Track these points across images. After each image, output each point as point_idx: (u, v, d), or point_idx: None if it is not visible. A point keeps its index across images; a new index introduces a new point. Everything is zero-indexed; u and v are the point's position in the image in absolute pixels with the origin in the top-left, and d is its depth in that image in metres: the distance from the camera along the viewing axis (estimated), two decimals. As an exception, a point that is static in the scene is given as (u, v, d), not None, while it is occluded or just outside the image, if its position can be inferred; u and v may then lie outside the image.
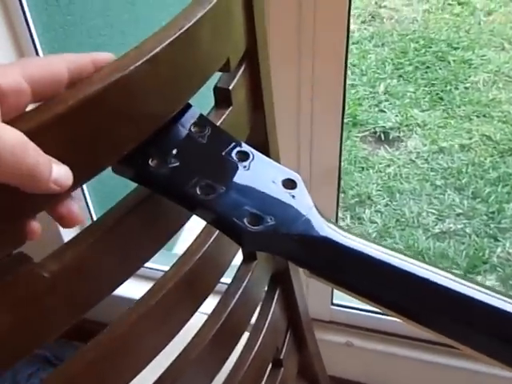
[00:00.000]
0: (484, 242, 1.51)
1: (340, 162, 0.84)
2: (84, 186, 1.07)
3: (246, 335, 0.60)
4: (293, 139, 0.81)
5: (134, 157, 0.33)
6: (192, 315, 0.48)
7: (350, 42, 2.13)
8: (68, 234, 1.02)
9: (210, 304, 0.52)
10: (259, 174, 0.36)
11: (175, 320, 0.46)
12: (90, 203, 1.10)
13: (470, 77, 1.98)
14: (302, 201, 0.35)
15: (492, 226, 1.54)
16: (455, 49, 2.09)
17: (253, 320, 0.61)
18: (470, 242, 1.51)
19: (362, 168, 1.73)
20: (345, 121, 1.89)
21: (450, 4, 2.26)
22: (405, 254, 0.34)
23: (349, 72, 2.02)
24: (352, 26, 2.23)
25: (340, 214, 1.59)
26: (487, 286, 0.32)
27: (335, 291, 1.07)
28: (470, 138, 1.79)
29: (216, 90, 0.43)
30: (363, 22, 2.26)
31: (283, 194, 0.35)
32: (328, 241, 0.34)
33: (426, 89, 1.94)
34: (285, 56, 0.75)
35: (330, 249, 0.34)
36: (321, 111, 0.79)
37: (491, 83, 1.95)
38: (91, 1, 1.04)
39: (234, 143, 0.37)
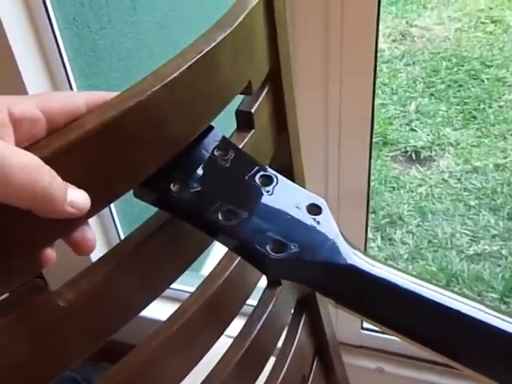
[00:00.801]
0: (521, 264, 1.46)
1: (369, 183, 0.82)
2: (112, 207, 1.08)
3: (271, 361, 0.59)
4: (321, 160, 0.80)
5: (154, 181, 0.33)
6: (217, 339, 0.47)
7: (381, 60, 2.12)
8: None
9: (235, 327, 0.51)
10: (283, 199, 0.35)
11: (200, 343, 0.45)
12: (118, 224, 1.10)
13: (504, 95, 1.94)
14: (327, 227, 0.33)
15: (529, 247, 1.49)
16: (488, 67, 2.05)
17: (279, 345, 0.60)
18: (507, 264, 1.46)
19: (393, 188, 1.70)
20: (375, 140, 1.88)
21: (482, 22, 2.23)
22: (434, 284, 0.33)
23: (379, 91, 2.00)
24: (382, 45, 2.21)
25: (370, 235, 1.57)
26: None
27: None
28: (505, 157, 1.74)
29: (238, 113, 0.42)
30: (394, 41, 2.24)
31: (307, 220, 0.34)
32: (354, 269, 0.32)
33: (459, 107, 1.90)
34: (312, 76, 0.75)
35: (356, 277, 0.32)
36: (349, 132, 0.78)
37: (526, 101, 1.91)
38: (122, 25, 1.06)
39: (257, 167, 0.36)
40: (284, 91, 0.47)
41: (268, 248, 0.31)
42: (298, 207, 0.34)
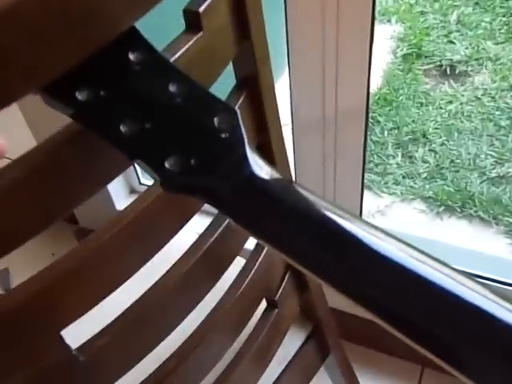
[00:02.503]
0: (544, 190, 1.41)
1: (368, 100, 0.79)
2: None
3: (242, 263, 0.60)
4: (317, 75, 0.77)
5: (59, 86, 0.31)
6: (179, 229, 0.47)
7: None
8: (119, 200, 1.08)
9: (202, 224, 0.50)
10: (193, 109, 0.33)
11: (160, 233, 0.45)
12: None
13: (557, 8, 1.78)
14: (236, 140, 0.32)
15: (556, 174, 1.43)
16: (546, -26, 1.87)
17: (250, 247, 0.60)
18: (529, 189, 1.42)
19: (421, 104, 1.63)
20: (409, 52, 1.78)
21: None
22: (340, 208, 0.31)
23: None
24: None
25: (391, 152, 1.54)
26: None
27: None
28: (547, 76, 1.63)
29: (184, 12, 0.41)
30: None
31: (215, 132, 0.32)
32: (258, 185, 0.31)
33: (504, 19, 1.77)
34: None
35: (259, 195, 0.31)
36: (347, 45, 0.74)
37: None
38: None
39: (172, 74, 0.34)
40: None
41: (167, 161, 0.31)
42: (207, 118, 0.32)
